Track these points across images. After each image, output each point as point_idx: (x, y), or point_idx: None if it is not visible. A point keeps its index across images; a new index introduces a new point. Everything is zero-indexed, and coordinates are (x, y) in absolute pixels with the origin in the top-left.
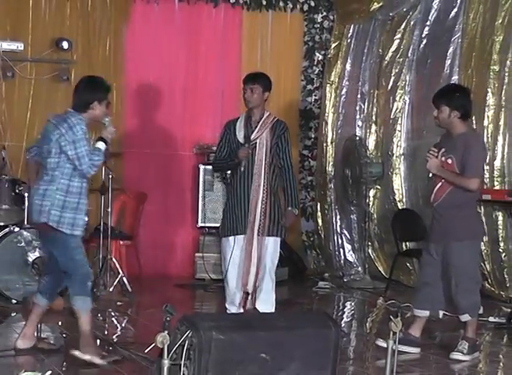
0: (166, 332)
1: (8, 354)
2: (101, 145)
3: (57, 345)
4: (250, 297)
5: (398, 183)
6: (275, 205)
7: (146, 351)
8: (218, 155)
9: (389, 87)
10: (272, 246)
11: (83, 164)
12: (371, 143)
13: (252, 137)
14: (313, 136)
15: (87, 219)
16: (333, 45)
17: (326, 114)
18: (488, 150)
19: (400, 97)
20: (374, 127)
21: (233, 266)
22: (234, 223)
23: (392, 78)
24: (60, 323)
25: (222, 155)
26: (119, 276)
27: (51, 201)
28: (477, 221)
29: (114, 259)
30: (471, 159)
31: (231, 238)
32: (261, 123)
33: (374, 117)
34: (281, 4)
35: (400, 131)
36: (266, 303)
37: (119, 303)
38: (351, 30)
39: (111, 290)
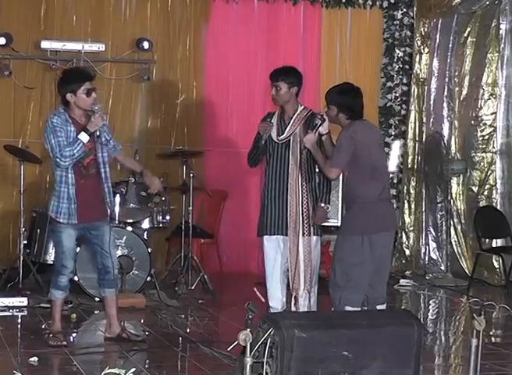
0: (249, 330)
1: (93, 351)
2: (82, 136)
3: (140, 336)
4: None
5: (482, 179)
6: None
7: (228, 349)
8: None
9: (473, 83)
10: (318, 245)
11: (54, 155)
12: (454, 139)
13: (285, 134)
14: (393, 133)
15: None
16: (417, 41)
17: (412, 111)
18: None
19: (490, 93)
20: (458, 123)
21: (280, 267)
22: (275, 222)
23: (477, 75)
24: (142, 321)
25: None
26: (201, 274)
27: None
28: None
29: (195, 257)
30: (335, 151)
31: (274, 238)
32: (293, 118)
33: (459, 114)
34: (360, 1)
35: (492, 127)
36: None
37: (200, 301)
38: (434, 25)
39: (192, 288)
